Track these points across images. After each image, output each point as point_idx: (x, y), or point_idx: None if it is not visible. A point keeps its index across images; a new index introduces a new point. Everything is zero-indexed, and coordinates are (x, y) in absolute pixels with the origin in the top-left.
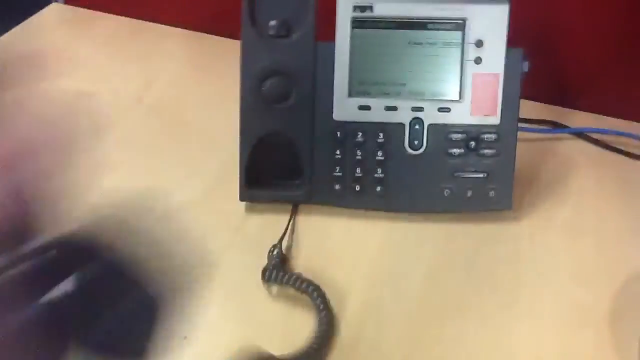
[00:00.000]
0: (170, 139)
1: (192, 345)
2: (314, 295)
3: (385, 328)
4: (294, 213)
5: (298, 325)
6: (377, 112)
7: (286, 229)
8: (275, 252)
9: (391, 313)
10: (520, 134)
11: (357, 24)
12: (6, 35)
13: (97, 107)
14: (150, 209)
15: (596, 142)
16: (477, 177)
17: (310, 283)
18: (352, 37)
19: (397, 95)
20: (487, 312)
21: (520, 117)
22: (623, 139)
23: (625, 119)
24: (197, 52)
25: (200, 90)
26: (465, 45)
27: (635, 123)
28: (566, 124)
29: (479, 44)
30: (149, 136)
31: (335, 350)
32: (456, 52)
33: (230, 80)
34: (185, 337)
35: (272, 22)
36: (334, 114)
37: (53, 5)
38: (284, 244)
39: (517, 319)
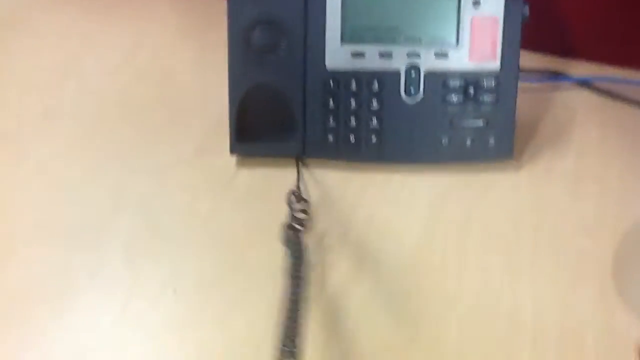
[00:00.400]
0: (160, 99)
1: (181, 298)
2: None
3: (380, 282)
4: (298, 166)
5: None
6: (372, 59)
7: (297, 179)
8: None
9: (387, 266)
10: (521, 85)
11: None
12: None
13: (83, 70)
14: (139, 168)
15: (600, 91)
16: (476, 126)
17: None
18: None
19: (392, 41)
20: (486, 264)
21: (522, 67)
22: (627, 87)
23: (629, 67)
24: (184, 13)
25: (191, 51)
26: None
27: (636, 71)
28: (569, 74)
29: None
30: (136, 97)
31: (320, 309)
32: None
33: (222, 39)
34: (175, 290)
35: None
36: (326, 63)
37: None
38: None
39: (518, 270)
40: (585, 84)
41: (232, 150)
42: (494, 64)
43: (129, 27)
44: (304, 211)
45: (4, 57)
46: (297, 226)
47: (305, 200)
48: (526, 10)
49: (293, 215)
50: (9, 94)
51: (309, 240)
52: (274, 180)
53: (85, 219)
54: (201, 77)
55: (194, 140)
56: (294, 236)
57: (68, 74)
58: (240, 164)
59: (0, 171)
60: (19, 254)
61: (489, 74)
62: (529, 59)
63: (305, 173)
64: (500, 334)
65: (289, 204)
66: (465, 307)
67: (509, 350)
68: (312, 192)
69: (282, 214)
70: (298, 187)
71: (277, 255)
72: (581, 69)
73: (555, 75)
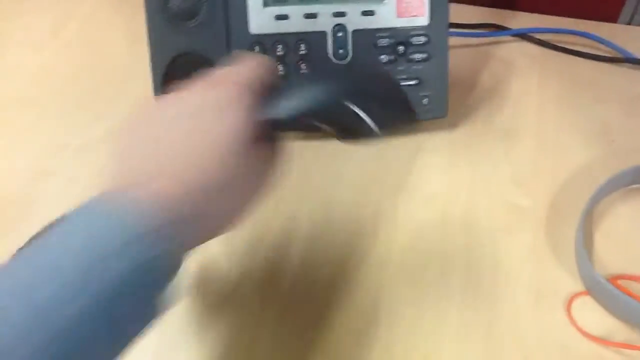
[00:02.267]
0: (88, 73)
1: None
2: None
3: (313, 249)
4: None
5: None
6: (296, 21)
7: None
8: None
9: (320, 232)
10: (459, 40)
11: None
12: None
13: (7, 45)
14: (66, 145)
15: (538, 42)
16: (408, 85)
17: None
18: None
19: (316, 1)
20: (420, 221)
21: (459, 22)
22: (566, 37)
23: (566, 16)
24: None
25: (120, 22)
26: None
27: (576, 20)
28: (507, 26)
29: None
30: (63, 72)
31: (255, 276)
32: None
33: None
34: None
35: None
36: (250, 27)
37: None
38: None
39: (452, 225)
40: (523, 36)
41: None
42: (423, 20)
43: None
44: None
45: None
46: None
47: None
48: None
49: None
50: None
51: None
52: None
53: (9, 198)
54: (132, 50)
55: (123, 115)
56: None
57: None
58: None
59: None
60: None
61: (418, 31)
62: (466, 13)
63: None
64: (431, 282)
65: None
66: (398, 263)
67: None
68: None
69: None
70: None
71: None
72: (520, 20)
73: (493, 29)
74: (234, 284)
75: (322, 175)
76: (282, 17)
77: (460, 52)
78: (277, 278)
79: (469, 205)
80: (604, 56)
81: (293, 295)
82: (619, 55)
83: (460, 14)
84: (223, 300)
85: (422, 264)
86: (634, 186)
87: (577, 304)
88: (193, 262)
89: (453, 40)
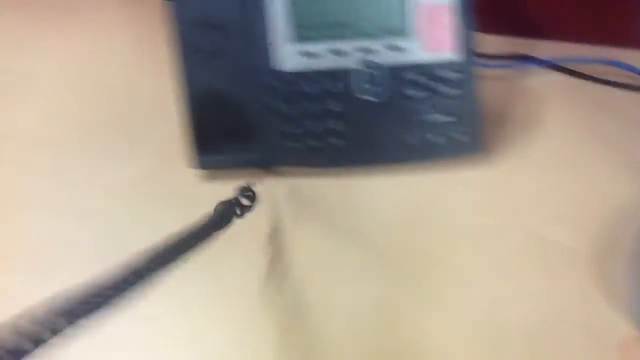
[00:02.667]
0: (116, 112)
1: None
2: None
3: (356, 286)
4: (259, 176)
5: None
6: (324, 58)
7: (252, 181)
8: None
9: (361, 272)
10: (486, 71)
11: None
12: None
13: (35, 84)
14: (96, 182)
15: (568, 72)
16: (441, 120)
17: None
18: None
19: (343, 37)
20: (460, 263)
21: (485, 52)
22: (597, 67)
23: (597, 45)
24: (141, 22)
25: (147, 60)
26: None
27: (606, 48)
28: (535, 56)
29: None
30: (94, 109)
31: (300, 314)
32: None
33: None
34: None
35: None
36: (276, 64)
37: None
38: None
39: (497, 265)
40: (552, 65)
41: (192, 164)
42: (450, 53)
43: (82, 38)
44: (250, 198)
45: None
46: (235, 207)
47: (254, 193)
48: None
49: (236, 197)
50: None
51: (272, 249)
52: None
53: (44, 241)
54: (161, 88)
55: (155, 154)
56: (227, 208)
57: (17, 90)
58: (202, 176)
59: None
60: None
61: (447, 65)
62: (492, 43)
63: (271, 182)
64: (481, 326)
65: (236, 198)
66: (445, 303)
67: (489, 342)
68: (278, 200)
69: (245, 223)
70: (250, 184)
71: (249, 267)
72: (548, 49)
73: (522, 59)
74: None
75: (361, 213)
76: (309, 55)
77: (488, 84)
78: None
79: (511, 244)
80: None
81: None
82: None
83: (486, 44)
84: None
85: (466, 307)
86: None
87: (631, 346)
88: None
89: (482, 72)
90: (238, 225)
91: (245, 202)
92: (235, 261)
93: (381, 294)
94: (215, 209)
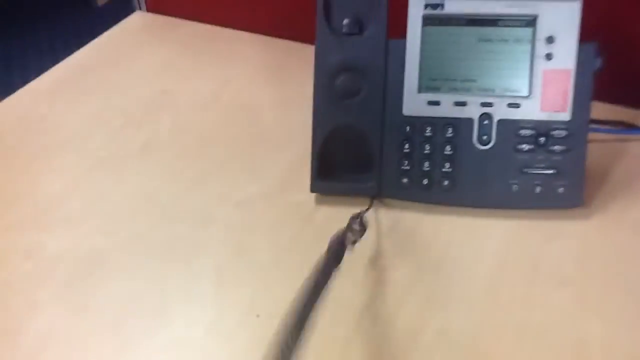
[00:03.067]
0: (246, 135)
1: (264, 322)
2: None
3: (448, 319)
4: (371, 205)
5: (358, 313)
6: (447, 108)
7: (366, 211)
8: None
9: (455, 304)
10: (593, 135)
11: (428, 21)
12: (93, 43)
13: (178, 104)
14: (226, 198)
15: None
16: (546, 173)
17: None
18: (422, 34)
19: (467, 91)
20: (554, 308)
21: (593, 118)
22: None
23: None
24: (268, 55)
25: (273, 90)
26: (535, 41)
27: None
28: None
29: (550, 40)
30: (225, 132)
31: (392, 341)
32: (526, 49)
33: (301, 81)
34: (258, 315)
35: (346, 20)
36: (403, 109)
37: (136, 14)
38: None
39: (587, 317)
40: None
41: (313, 188)
42: (565, 115)
43: (218, 66)
44: (360, 231)
45: (103, 94)
46: (346, 241)
47: (364, 223)
48: (598, 62)
49: (348, 229)
50: (113, 125)
51: (374, 274)
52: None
53: (178, 241)
54: (284, 116)
55: (277, 176)
56: (339, 246)
57: (164, 109)
58: (319, 200)
59: (102, 192)
60: (120, 264)
61: (559, 124)
62: (603, 110)
63: (380, 211)
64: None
65: (349, 224)
66: (533, 344)
67: None
68: (383, 229)
69: (356, 248)
70: (362, 214)
71: (354, 287)
72: None
73: (629, 127)
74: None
75: (461, 250)
76: (434, 103)
77: (594, 147)
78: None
79: (604, 296)
80: None
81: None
82: None
83: (596, 110)
84: None
85: (556, 349)
86: None
87: None
88: None
89: (591, 135)
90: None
91: (356, 232)
92: (341, 282)
93: (466, 323)
94: (329, 248)
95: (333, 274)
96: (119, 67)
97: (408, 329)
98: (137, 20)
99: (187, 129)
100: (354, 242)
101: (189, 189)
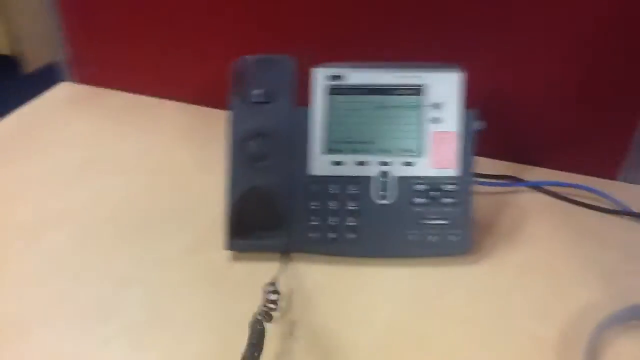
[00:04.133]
0: (165, 198)
1: None
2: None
3: None
4: (283, 260)
5: None
6: (349, 167)
7: (278, 272)
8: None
9: (357, 351)
10: (481, 188)
11: (330, 90)
12: (16, 112)
13: (99, 172)
14: (142, 260)
15: (550, 194)
16: (439, 224)
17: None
18: (326, 102)
19: (367, 152)
20: (448, 348)
21: (481, 172)
22: (573, 190)
23: (574, 172)
24: (189, 122)
25: (193, 155)
26: (424, 107)
27: (583, 176)
28: (523, 178)
29: (437, 106)
30: (144, 197)
31: None
32: (417, 114)
33: (221, 146)
34: None
35: (257, 91)
36: (310, 170)
37: (62, 84)
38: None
39: (473, 352)
40: (538, 187)
41: (227, 246)
42: (453, 171)
43: (141, 133)
44: (275, 302)
45: (26, 161)
46: (263, 318)
47: (278, 293)
48: (478, 125)
49: (264, 305)
50: (30, 193)
51: (282, 328)
52: (264, 271)
53: (90, 304)
54: (203, 179)
55: (194, 236)
56: (259, 326)
57: (84, 176)
58: (234, 257)
59: (16, 259)
60: (33, 334)
61: (448, 180)
62: (489, 165)
63: (290, 265)
64: None
65: (265, 294)
66: None
67: None
68: (293, 282)
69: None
70: (274, 281)
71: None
72: (534, 174)
73: (512, 180)
74: None
75: (364, 297)
76: (337, 163)
77: (483, 198)
78: None
79: (490, 333)
80: (607, 208)
81: None
82: (618, 208)
83: (485, 165)
84: None
85: None
86: (633, 322)
87: None
88: None
89: (477, 188)
90: None
91: (271, 302)
92: None
93: None
94: (251, 328)
95: (260, 352)
96: (40, 136)
97: None
98: (63, 91)
99: (107, 195)
100: (271, 316)
101: (105, 253)
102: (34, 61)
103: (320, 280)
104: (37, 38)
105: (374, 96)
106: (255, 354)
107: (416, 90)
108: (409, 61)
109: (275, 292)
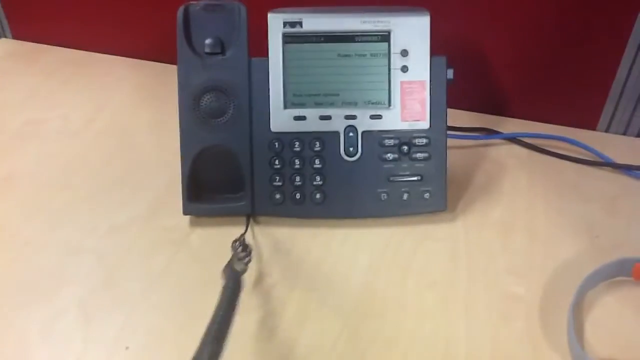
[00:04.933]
0: (118, 160)
1: (134, 354)
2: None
3: (322, 327)
4: (247, 224)
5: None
6: (313, 122)
7: (244, 232)
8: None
9: (331, 313)
10: (455, 141)
11: (288, 39)
12: None
13: (45, 134)
14: (95, 226)
15: (526, 146)
16: (411, 181)
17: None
18: (284, 52)
19: (331, 105)
20: (424, 309)
21: (455, 125)
22: (551, 142)
23: (551, 123)
24: (142, 79)
25: (146, 114)
26: (391, 55)
27: (560, 127)
28: (498, 130)
29: (404, 53)
30: (95, 159)
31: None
32: (383, 62)
33: (175, 103)
34: (127, 348)
35: (208, 40)
36: (271, 126)
37: (1, 40)
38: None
39: (454, 313)
40: (513, 139)
41: (185, 211)
42: (424, 124)
43: (90, 92)
44: (246, 254)
45: None
46: (237, 267)
47: (247, 246)
48: (450, 73)
49: (235, 256)
50: None
51: (256, 290)
52: (226, 237)
53: (41, 274)
54: (157, 140)
55: (150, 201)
56: (233, 274)
57: (29, 139)
58: (193, 222)
59: None
60: None
61: (419, 133)
62: (463, 117)
63: (255, 229)
64: None
65: (234, 249)
66: (404, 346)
67: None
68: (261, 247)
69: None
70: (242, 237)
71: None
72: (510, 125)
73: (487, 133)
74: None
75: (335, 260)
76: (300, 118)
77: (457, 153)
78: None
79: (469, 292)
80: (586, 159)
81: None
82: (598, 159)
83: (457, 118)
84: None
85: (426, 347)
86: (618, 278)
87: None
88: None
89: (450, 142)
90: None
91: (242, 256)
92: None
93: (345, 331)
94: (225, 277)
95: (239, 301)
96: None
97: (284, 343)
98: (2, 47)
99: (54, 158)
100: (244, 267)
101: (55, 220)
102: None
103: (287, 244)
104: None
105: (335, 43)
106: (234, 298)
107: (383, 37)
108: (369, 4)
109: (244, 245)
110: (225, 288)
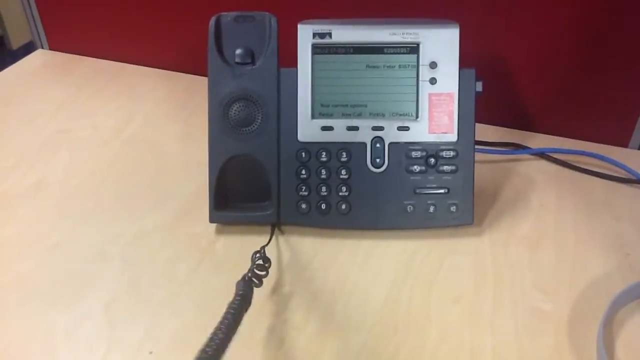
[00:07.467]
0: (146, 169)
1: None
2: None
3: (347, 340)
4: (272, 234)
5: (261, 340)
6: (340, 133)
7: (267, 242)
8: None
9: (354, 326)
10: (483, 156)
11: (317, 49)
12: None
13: (76, 142)
14: (122, 233)
15: (556, 162)
16: (438, 193)
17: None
18: (313, 62)
19: (358, 115)
20: (449, 323)
21: (484, 140)
22: (581, 158)
23: (580, 139)
24: (172, 90)
25: (175, 124)
26: (420, 67)
27: (591, 143)
28: (527, 145)
29: (433, 65)
30: (124, 167)
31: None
32: (412, 74)
33: (204, 114)
34: (151, 352)
35: (238, 51)
36: (298, 136)
37: (38, 51)
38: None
39: (479, 328)
40: (542, 155)
41: (211, 219)
42: (452, 136)
43: (121, 102)
44: (263, 267)
45: (2, 130)
46: (254, 279)
47: (268, 260)
48: (479, 86)
49: (253, 270)
50: (6, 164)
51: (275, 299)
52: (251, 246)
53: (69, 278)
54: (186, 149)
55: (176, 208)
56: (246, 289)
57: (60, 147)
58: (219, 230)
59: None
60: (10, 309)
61: (447, 145)
62: (491, 132)
63: (280, 238)
64: None
65: (253, 261)
66: (428, 355)
67: None
68: (284, 256)
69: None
70: (263, 249)
71: (255, 318)
72: (538, 141)
73: (515, 147)
74: None
75: (360, 272)
76: (327, 128)
77: (485, 167)
78: None
79: (495, 307)
80: (617, 176)
81: None
82: (630, 177)
83: (486, 133)
84: None
85: (447, 356)
86: None
87: None
88: None
89: (478, 156)
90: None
91: (260, 268)
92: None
93: (367, 344)
94: (237, 291)
95: (243, 316)
96: (14, 105)
97: (303, 356)
98: (38, 58)
99: (84, 165)
100: (261, 280)
101: (83, 226)
102: (19, 38)
103: (311, 254)
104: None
105: (364, 55)
106: (241, 309)
107: (412, 49)
108: (398, 17)
109: (264, 258)
110: (231, 304)
